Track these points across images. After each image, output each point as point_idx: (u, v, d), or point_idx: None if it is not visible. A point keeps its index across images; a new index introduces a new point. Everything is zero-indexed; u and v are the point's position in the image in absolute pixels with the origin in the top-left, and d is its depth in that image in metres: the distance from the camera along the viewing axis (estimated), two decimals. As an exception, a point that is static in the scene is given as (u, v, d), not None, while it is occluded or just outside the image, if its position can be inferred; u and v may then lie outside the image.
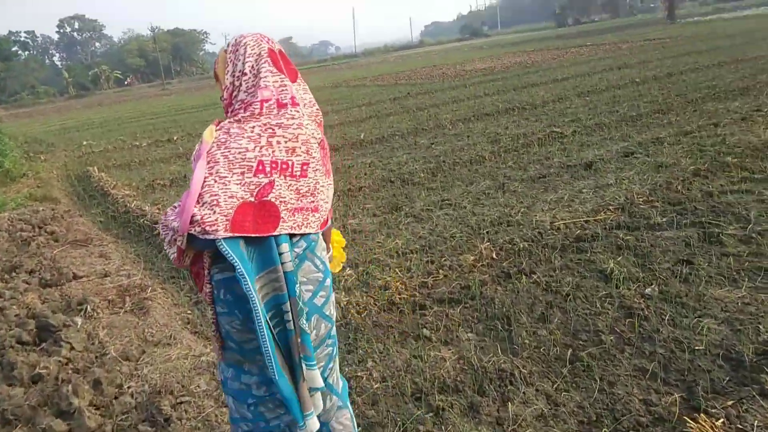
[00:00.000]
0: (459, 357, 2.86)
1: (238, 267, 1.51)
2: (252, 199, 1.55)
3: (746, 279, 3.26)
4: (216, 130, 1.65)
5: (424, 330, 3.16)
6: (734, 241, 3.79)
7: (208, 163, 1.57)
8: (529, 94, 13.38)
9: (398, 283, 3.75)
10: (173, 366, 3.09)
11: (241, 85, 1.69)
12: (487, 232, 4.63)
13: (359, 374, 2.86)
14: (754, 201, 4.48)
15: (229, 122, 1.64)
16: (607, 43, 29.07)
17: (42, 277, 4.61)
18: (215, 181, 1.54)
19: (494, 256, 4.03)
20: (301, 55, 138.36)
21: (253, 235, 1.55)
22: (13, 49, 76.96)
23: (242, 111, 1.65)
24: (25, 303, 4.00)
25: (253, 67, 1.69)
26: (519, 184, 6.06)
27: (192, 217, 1.50)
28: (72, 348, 3.28)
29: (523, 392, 2.54)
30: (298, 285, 1.61)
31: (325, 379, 1.80)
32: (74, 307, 3.82)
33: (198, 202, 1.52)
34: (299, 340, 1.61)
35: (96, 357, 3.23)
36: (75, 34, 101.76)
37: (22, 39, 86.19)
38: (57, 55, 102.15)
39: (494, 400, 2.53)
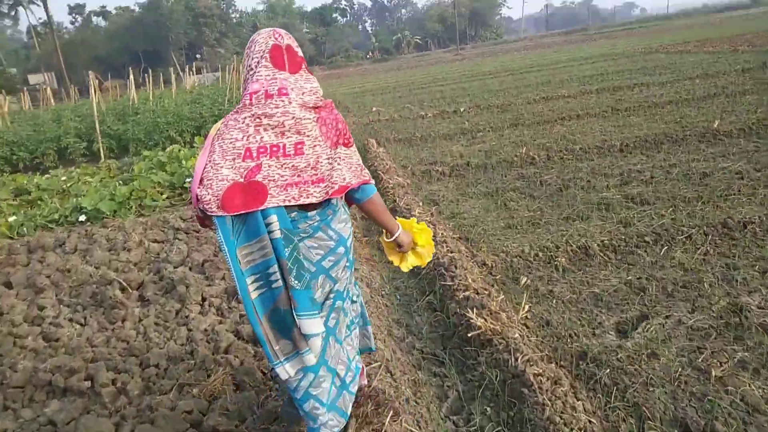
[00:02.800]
0: None
1: (220, 240, 1.88)
2: (242, 180, 1.86)
3: None
4: (221, 123, 1.98)
5: None
6: None
7: (209, 153, 1.93)
8: None
9: None
10: None
11: (248, 78, 1.97)
12: None
13: None
14: None
15: (231, 114, 1.95)
16: None
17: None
18: (211, 168, 1.89)
19: None
20: (601, 18, 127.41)
21: (241, 212, 1.85)
22: (334, 15, 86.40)
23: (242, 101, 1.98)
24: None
25: (257, 63, 1.95)
26: None
27: (196, 196, 1.90)
28: None
29: None
30: (289, 249, 1.89)
31: (326, 324, 2.07)
32: None
33: (201, 184, 1.89)
34: (289, 294, 1.90)
35: None
36: (386, 1, 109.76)
37: (342, 6, 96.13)
38: (369, 21, 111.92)
39: None
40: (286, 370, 1.95)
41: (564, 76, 17.43)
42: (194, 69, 21.17)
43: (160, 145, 11.09)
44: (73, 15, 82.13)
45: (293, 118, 1.89)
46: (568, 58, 25.91)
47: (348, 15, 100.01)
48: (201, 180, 1.89)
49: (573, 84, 14.61)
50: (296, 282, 1.91)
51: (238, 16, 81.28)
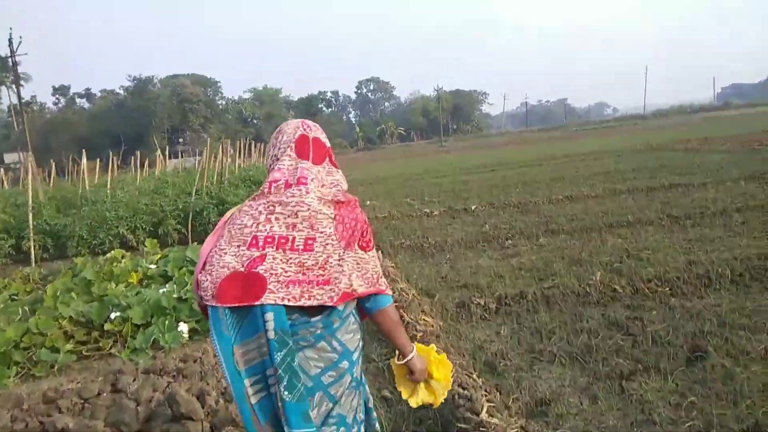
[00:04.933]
0: None
1: (212, 334, 1.68)
2: (242, 269, 1.69)
3: None
4: (237, 208, 1.86)
5: None
6: None
7: (218, 236, 1.78)
8: None
9: None
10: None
11: (271, 167, 1.86)
12: None
13: None
14: None
15: (248, 200, 1.83)
16: None
17: None
18: (215, 253, 1.74)
19: None
20: (577, 115, 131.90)
21: (236, 305, 1.66)
22: (319, 105, 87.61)
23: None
24: None
25: (283, 152, 1.85)
26: None
27: (197, 281, 1.75)
28: None
29: None
30: (281, 354, 1.65)
31: None
32: None
33: (203, 269, 1.74)
34: (279, 404, 1.66)
35: None
36: (369, 94, 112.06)
37: (328, 97, 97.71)
38: (353, 112, 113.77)
39: None
40: None
41: (571, 172, 15.97)
42: (167, 152, 19.26)
43: (107, 244, 8.91)
44: (57, 96, 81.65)
45: (309, 209, 1.75)
46: (564, 153, 24.85)
47: (333, 106, 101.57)
48: (204, 264, 1.75)
49: (591, 182, 13.00)
50: (287, 393, 1.65)
51: (224, 103, 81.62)
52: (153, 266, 5.98)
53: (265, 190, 1.78)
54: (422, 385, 1.95)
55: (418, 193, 14.69)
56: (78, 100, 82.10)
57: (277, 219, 1.73)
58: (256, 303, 1.64)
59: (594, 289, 4.92)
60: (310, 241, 1.71)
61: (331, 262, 1.71)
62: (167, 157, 21.40)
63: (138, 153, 16.03)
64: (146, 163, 19.94)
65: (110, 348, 4.28)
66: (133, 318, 4.36)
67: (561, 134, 58.62)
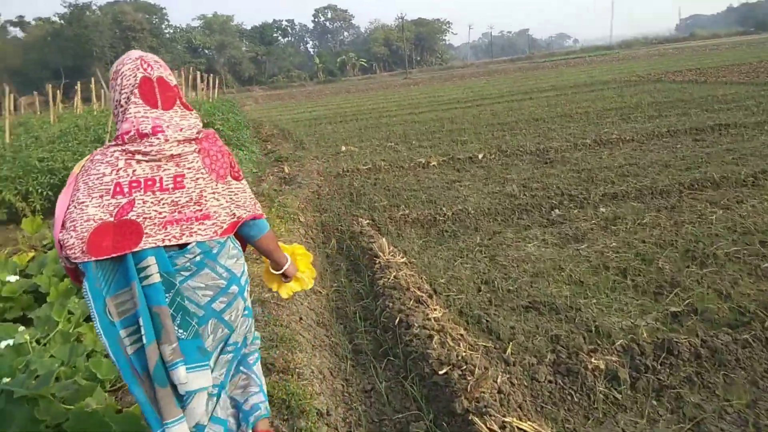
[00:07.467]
0: None
1: (85, 290, 1.58)
2: (111, 220, 1.58)
3: None
4: (86, 159, 1.70)
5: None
6: None
7: (72, 191, 1.64)
8: None
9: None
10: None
11: (118, 114, 1.70)
12: None
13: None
14: None
15: (98, 150, 1.68)
16: None
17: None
18: (75, 207, 1.60)
19: None
20: (538, 47, 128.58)
21: (112, 255, 1.56)
22: (275, 35, 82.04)
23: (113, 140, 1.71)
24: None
25: (127, 98, 1.68)
26: None
27: (59, 242, 1.59)
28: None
29: None
30: (170, 294, 1.61)
31: (223, 384, 1.81)
32: None
33: (63, 227, 1.60)
34: (171, 346, 1.57)
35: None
36: (327, 23, 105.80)
37: (283, 26, 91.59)
38: (310, 42, 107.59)
39: None
40: None
41: (572, 107, 13.75)
42: (109, 85, 15.99)
43: (-13, 216, 6.34)
44: (-15, 24, 73.70)
45: (170, 151, 1.64)
46: (550, 86, 22.54)
47: (289, 35, 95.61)
48: (63, 223, 1.61)
49: (609, 120, 10.82)
50: (181, 331, 1.62)
51: (171, 31, 75.32)
52: (13, 278, 3.56)
53: (119, 142, 1.63)
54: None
55: (400, 134, 12.25)
56: (10, 29, 74.46)
57: (138, 162, 1.61)
58: (136, 249, 1.56)
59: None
60: (179, 179, 1.63)
61: (206, 196, 1.66)
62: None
63: (49, 86, 12.89)
64: (76, 98, 16.78)
65: None
66: None
67: (528, 65, 56.06)
